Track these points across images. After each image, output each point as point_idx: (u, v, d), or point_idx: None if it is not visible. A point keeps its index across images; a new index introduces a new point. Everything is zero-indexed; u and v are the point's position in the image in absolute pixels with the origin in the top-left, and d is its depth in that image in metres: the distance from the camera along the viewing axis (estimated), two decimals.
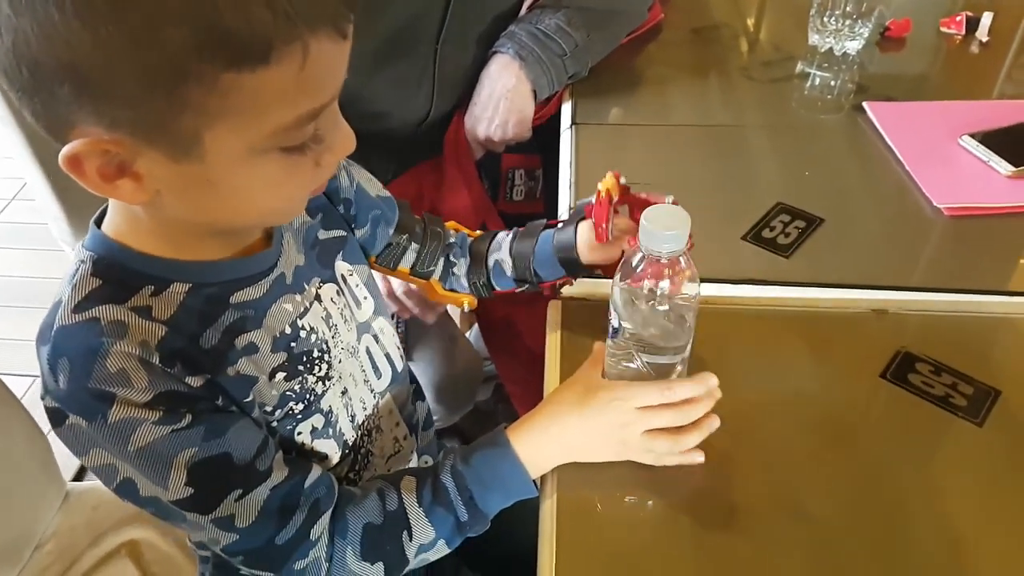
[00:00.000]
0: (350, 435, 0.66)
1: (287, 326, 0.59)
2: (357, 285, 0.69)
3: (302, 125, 0.48)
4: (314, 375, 0.61)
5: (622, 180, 0.71)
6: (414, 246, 0.78)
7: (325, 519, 0.58)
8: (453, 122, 1.11)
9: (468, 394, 1.35)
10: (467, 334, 1.34)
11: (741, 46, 1.26)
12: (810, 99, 1.12)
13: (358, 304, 0.69)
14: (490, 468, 0.61)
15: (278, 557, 0.56)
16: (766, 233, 0.87)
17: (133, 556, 0.89)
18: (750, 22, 1.35)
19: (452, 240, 0.82)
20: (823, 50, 1.18)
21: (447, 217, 0.84)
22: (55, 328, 0.50)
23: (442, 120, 1.11)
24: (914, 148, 0.98)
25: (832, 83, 1.15)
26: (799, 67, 1.18)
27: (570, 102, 1.10)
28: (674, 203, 0.67)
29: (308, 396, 0.61)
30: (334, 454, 0.64)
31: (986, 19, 1.23)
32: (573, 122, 1.06)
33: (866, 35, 1.15)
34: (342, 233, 0.69)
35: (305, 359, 0.60)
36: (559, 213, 0.93)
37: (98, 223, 0.55)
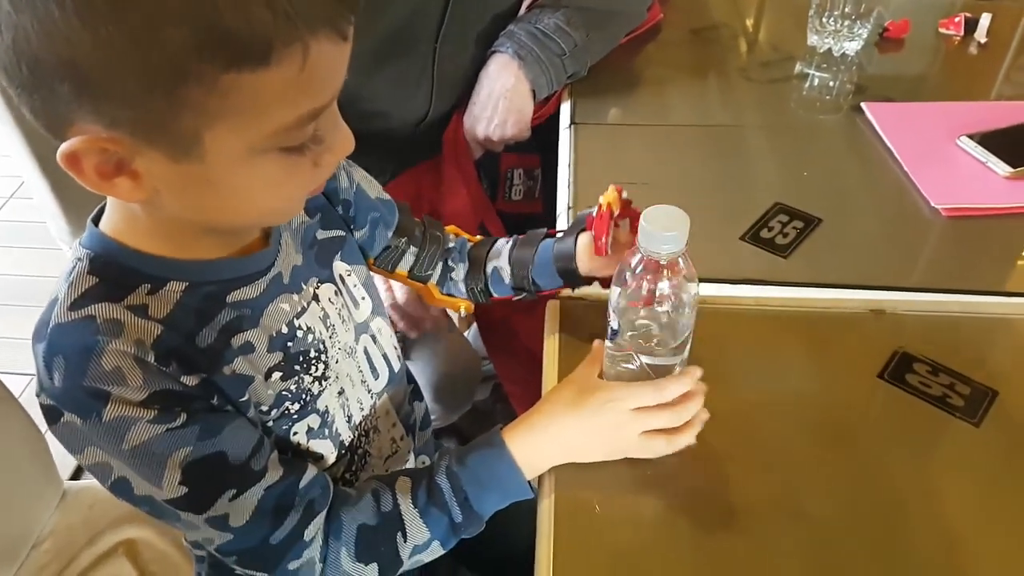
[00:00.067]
0: (347, 436, 0.66)
1: (284, 326, 0.59)
2: (355, 285, 0.69)
3: (302, 126, 0.48)
4: (311, 375, 0.61)
5: (624, 194, 0.70)
6: (413, 249, 0.78)
7: (320, 520, 0.58)
8: (452, 122, 1.11)
9: (466, 394, 1.34)
10: (466, 334, 1.34)
11: (740, 46, 1.26)
12: (809, 99, 1.12)
13: (356, 304, 0.69)
14: (486, 469, 0.61)
15: (272, 557, 0.56)
16: (764, 233, 0.87)
17: (130, 555, 0.89)
18: (749, 22, 1.35)
19: (451, 245, 0.81)
20: (822, 51, 1.18)
21: (446, 216, 0.84)
22: (51, 326, 0.50)
23: (441, 120, 1.11)
24: (912, 149, 0.98)
25: (831, 84, 1.15)
26: (798, 67, 1.18)
27: (569, 102, 1.10)
28: None
29: (304, 396, 0.61)
30: (330, 454, 0.64)
31: (984, 20, 1.23)
32: (572, 122, 1.06)
33: (865, 36, 1.15)
34: (341, 233, 0.69)
35: (302, 359, 0.60)
36: (558, 213, 0.93)
37: (95, 221, 0.55)
